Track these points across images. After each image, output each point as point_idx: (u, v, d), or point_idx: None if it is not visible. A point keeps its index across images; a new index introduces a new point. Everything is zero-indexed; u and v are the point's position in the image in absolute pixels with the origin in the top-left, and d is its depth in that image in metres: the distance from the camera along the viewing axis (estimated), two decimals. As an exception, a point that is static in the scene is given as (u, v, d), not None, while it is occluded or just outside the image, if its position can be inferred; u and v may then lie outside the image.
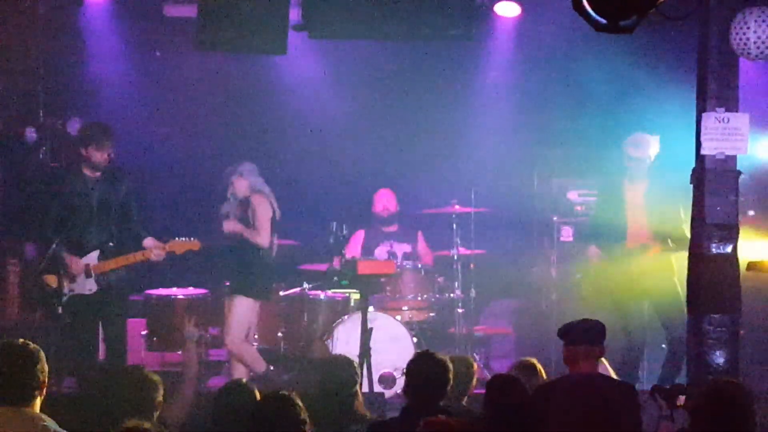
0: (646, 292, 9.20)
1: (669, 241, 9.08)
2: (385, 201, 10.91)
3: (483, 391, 5.99)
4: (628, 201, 9.28)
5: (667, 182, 9.01)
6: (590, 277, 9.71)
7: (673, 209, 8.90)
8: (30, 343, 4.81)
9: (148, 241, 9.00)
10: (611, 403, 6.02)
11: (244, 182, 9.59)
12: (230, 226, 9.51)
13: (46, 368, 4.73)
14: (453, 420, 4.86)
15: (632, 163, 9.27)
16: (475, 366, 7.32)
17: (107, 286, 8.89)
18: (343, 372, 6.98)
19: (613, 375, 7.72)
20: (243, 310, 9.51)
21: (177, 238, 9.07)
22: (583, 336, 6.19)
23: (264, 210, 9.53)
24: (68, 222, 8.84)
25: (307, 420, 5.31)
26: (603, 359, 6.99)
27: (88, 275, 8.84)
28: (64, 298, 8.80)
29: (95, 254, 8.87)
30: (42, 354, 4.73)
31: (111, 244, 8.94)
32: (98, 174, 8.90)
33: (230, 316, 9.52)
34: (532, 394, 5.97)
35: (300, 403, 5.32)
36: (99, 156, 8.82)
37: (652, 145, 9.35)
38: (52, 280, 8.76)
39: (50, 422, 4.67)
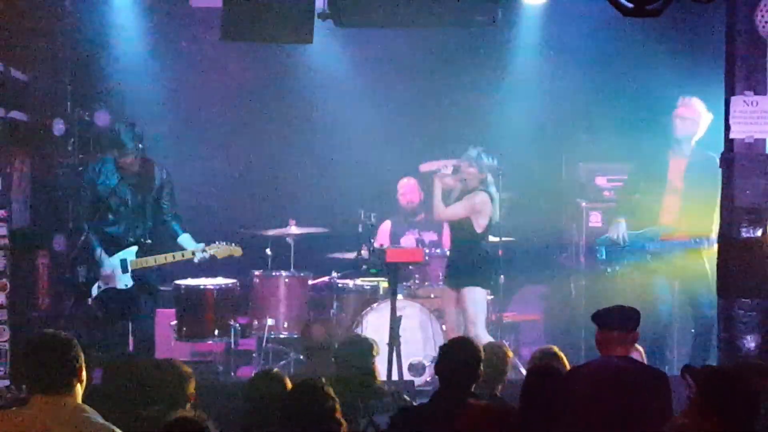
0: (675, 270, 9.15)
1: (702, 241, 9.02)
2: (408, 194, 10.91)
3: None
4: (668, 179, 9.19)
5: (705, 170, 8.84)
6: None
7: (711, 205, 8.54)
8: (61, 332, 4.88)
9: (185, 239, 9.02)
10: (641, 388, 5.99)
11: (473, 170, 9.62)
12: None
13: (82, 355, 4.78)
14: (492, 405, 4.82)
15: (681, 131, 9.14)
16: (510, 354, 7.29)
17: (143, 281, 8.92)
18: (357, 348, 7.01)
19: (645, 361, 7.67)
20: (482, 299, 9.59)
21: (217, 242, 9.09)
22: (618, 322, 6.17)
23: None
24: (100, 213, 8.86)
25: (337, 407, 5.31)
26: (638, 346, 6.97)
27: (125, 271, 8.86)
28: (97, 291, 8.84)
29: (133, 249, 8.90)
30: (75, 342, 4.80)
31: (149, 240, 8.97)
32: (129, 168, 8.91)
33: (470, 308, 9.51)
34: (564, 378, 5.95)
35: (330, 391, 5.33)
36: (123, 161, 8.83)
37: (704, 114, 9.11)
38: (83, 270, 8.79)
39: (92, 412, 4.70)
